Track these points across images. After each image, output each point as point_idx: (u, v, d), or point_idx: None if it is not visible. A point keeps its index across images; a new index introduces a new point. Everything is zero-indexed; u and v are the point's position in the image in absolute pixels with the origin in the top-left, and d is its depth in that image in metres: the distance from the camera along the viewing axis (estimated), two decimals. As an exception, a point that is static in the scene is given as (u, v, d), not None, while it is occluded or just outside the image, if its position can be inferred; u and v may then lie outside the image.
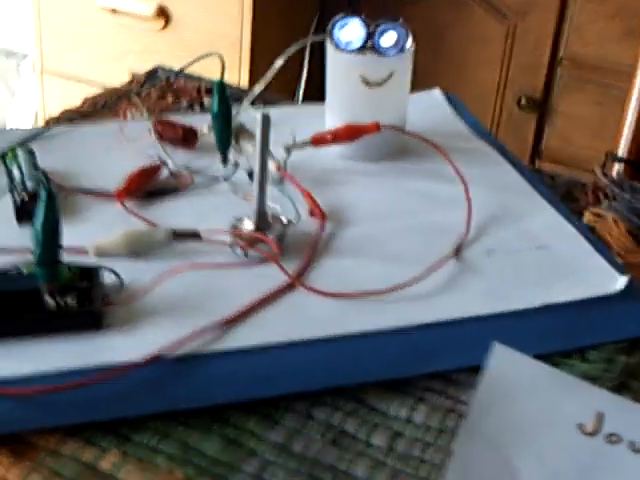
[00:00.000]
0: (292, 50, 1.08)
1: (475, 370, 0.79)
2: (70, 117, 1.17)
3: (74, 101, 2.23)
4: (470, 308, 0.86)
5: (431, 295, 0.88)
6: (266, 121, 0.86)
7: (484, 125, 2.27)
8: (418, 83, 2.30)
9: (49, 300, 0.81)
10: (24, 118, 2.74)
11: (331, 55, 1.08)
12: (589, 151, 2.20)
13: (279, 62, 1.10)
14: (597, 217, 1.01)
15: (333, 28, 1.06)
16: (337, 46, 1.06)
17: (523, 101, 2.23)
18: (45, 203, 0.79)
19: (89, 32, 2.26)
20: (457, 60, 2.29)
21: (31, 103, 2.67)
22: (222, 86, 1.00)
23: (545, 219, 1.00)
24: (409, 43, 1.06)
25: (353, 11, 2.14)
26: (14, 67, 3.00)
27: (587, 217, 1.01)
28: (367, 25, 1.05)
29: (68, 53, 2.30)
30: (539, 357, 0.82)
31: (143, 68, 2.19)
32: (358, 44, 1.06)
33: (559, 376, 0.80)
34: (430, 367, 0.81)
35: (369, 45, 1.06)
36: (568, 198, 1.08)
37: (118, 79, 2.14)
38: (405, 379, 0.80)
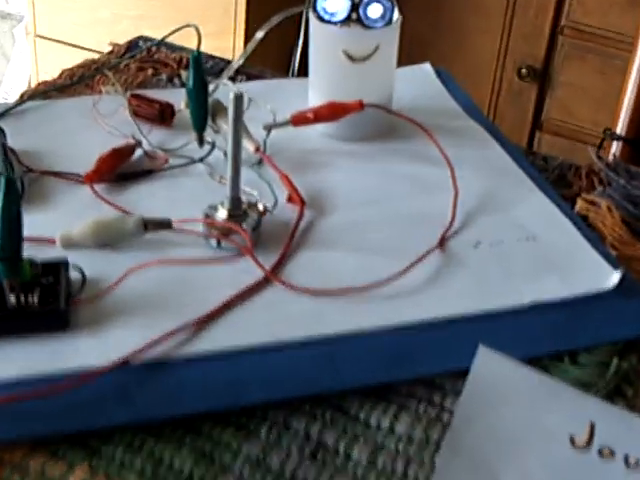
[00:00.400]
0: (274, 21, 1.03)
1: (461, 375, 0.75)
2: (45, 90, 1.12)
3: (68, 66, 2.20)
4: (455, 307, 0.82)
5: (414, 291, 0.83)
6: (239, 102, 0.81)
7: (478, 99, 2.24)
8: (416, 52, 2.26)
9: (10, 297, 0.76)
10: (18, 83, 2.70)
11: (313, 27, 1.03)
12: (590, 123, 2.16)
13: (260, 34, 1.05)
14: (590, 204, 0.96)
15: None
16: (320, 18, 1.00)
17: (524, 71, 2.19)
18: (4, 193, 0.74)
19: (83, -5, 2.21)
20: (456, 29, 2.24)
21: (25, 68, 2.62)
22: (198, 60, 0.95)
23: (535, 206, 0.95)
24: (396, 15, 1.01)
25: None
26: (8, 31, 2.95)
27: (580, 205, 0.96)
28: (352, -3, 1.00)
29: (61, 17, 2.27)
30: (528, 360, 0.77)
31: (137, 33, 2.15)
32: (342, 16, 1.00)
33: (548, 383, 0.75)
34: (413, 372, 0.77)
35: (354, 17, 1.00)
36: (561, 183, 1.03)
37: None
38: (387, 384, 0.76)
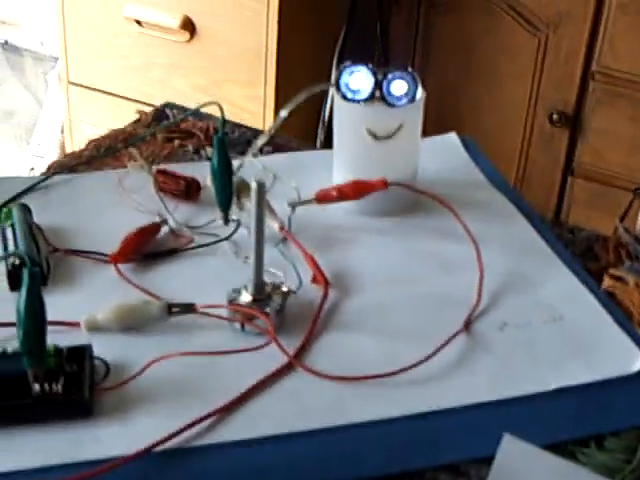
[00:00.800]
0: (298, 100, 1.03)
1: (487, 461, 0.74)
2: (72, 163, 1.12)
3: (100, 113, 2.21)
4: (480, 393, 0.82)
5: (439, 377, 0.83)
6: (261, 191, 0.81)
7: (510, 144, 2.24)
8: (446, 98, 2.27)
9: (34, 386, 0.77)
10: (51, 130, 2.72)
11: (337, 105, 1.03)
12: (623, 168, 2.14)
13: (284, 112, 1.05)
14: (617, 281, 0.95)
15: (340, 76, 1.01)
16: (344, 97, 1.00)
17: (555, 116, 2.17)
18: (27, 286, 0.74)
19: (115, 43, 2.24)
20: (487, 73, 2.23)
21: (58, 114, 2.64)
22: (222, 142, 0.95)
23: (562, 285, 0.94)
24: (419, 92, 1.00)
25: (382, 24, 2.11)
26: (42, 75, 2.98)
27: (607, 282, 0.96)
28: (375, 74, 1.00)
29: (93, 64, 2.28)
30: (553, 446, 0.76)
31: (168, 80, 2.18)
32: (366, 94, 1.00)
33: (574, 470, 0.75)
34: (438, 459, 0.76)
35: (377, 95, 1.00)
36: (588, 255, 1.02)
37: (144, 92, 2.14)
38: (411, 471, 0.75)
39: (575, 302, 0.92)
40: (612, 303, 0.93)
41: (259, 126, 2.05)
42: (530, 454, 0.75)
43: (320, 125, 2.17)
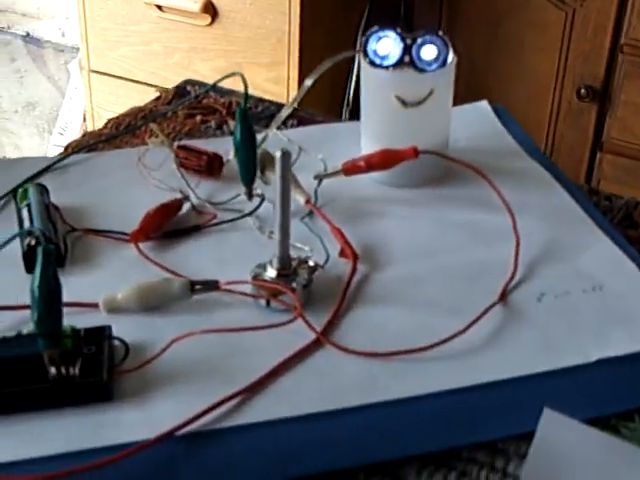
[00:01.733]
0: (323, 68, 0.99)
1: (525, 437, 0.70)
2: (91, 143, 1.09)
3: (122, 100, 2.20)
4: (518, 367, 0.77)
5: (475, 351, 0.79)
6: (286, 160, 0.77)
7: (538, 120, 2.20)
8: (473, 73, 2.23)
9: (51, 369, 0.73)
10: (74, 118, 2.70)
11: (365, 72, 0.99)
12: (653, 142, 2.10)
13: (308, 81, 1.01)
14: (659, 248, 0.91)
15: (367, 42, 0.97)
16: (371, 62, 0.96)
17: (583, 91, 2.13)
18: (41, 265, 0.71)
19: (135, 29, 2.22)
20: (513, 47, 2.19)
21: (79, 102, 2.63)
22: (245, 113, 0.91)
23: (601, 253, 0.90)
24: (450, 56, 0.96)
25: (405, 2, 2.08)
26: (63, 65, 2.96)
27: (648, 249, 0.91)
28: (404, 39, 0.95)
29: (114, 51, 2.27)
30: (596, 420, 0.72)
31: (190, 65, 2.15)
32: (394, 59, 0.96)
33: (618, 445, 0.70)
34: (474, 437, 0.72)
35: (406, 61, 0.96)
36: (627, 223, 0.98)
37: (165, 77, 2.12)
38: (447, 450, 0.71)
39: (615, 270, 0.88)
40: (655, 271, 0.88)
41: (284, 101, 2.03)
42: (572, 429, 0.71)
43: (345, 101, 2.14)
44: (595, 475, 0.68)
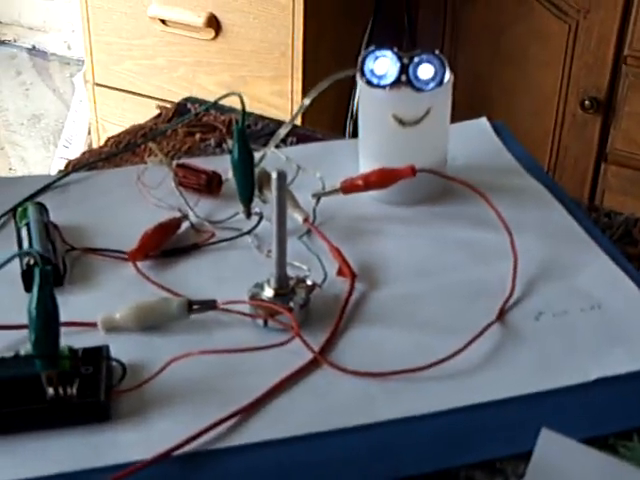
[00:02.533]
0: (321, 87, 0.99)
1: (524, 457, 0.70)
2: (91, 160, 1.09)
3: (127, 114, 2.20)
4: (516, 386, 0.77)
5: (472, 371, 0.79)
6: (282, 181, 0.77)
7: (542, 131, 2.20)
8: (476, 84, 2.23)
9: (48, 389, 0.73)
10: (79, 131, 2.71)
11: (362, 91, 0.99)
12: (657, 154, 2.10)
13: (307, 100, 1.02)
14: (658, 265, 0.91)
15: (364, 62, 0.97)
16: (368, 82, 0.97)
17: (587, 102, 2.12)
18: (38, 287, 0.71)
19: (140, 43, 2.23)
20: (517, 60, 2.19)
21: (85, 116, 2.64)
22: (242, 132, 0.92)
23: (600, 271, 0.90)
24: (447, 75, 0.96)
25: (409, 13, 2.08)
26: (68, 78, 2.97)
27: (646, 267, 0.91)
28: (401, 58, 0.96)
29: (119, 65, 2.28)
30: (594, 440, 0.72)
31: (194, 79, 2.16)
32: (391, 79, 0.96)
33: (616, 465, 0.71)
34: (473, 456, 0.72)
35: (403, 80, 0.96)
36: (626, 240, 0.98)
37: (170, 91, 2.12)
38: (444, 470, 0.71)
39: (614, 288, 0.88)
40: (654, 289, 0.88)
41: (287, 119, 2.03)
42: (569, 449, 0.71)
43: (349, 117, 2.14)
44: (593, 495, 0.68)
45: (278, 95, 2.10)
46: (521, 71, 2.21)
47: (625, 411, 0.76)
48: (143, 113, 2.14)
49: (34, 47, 3.35)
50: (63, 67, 3.23)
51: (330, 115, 2.14)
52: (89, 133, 2.62)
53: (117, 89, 2.32)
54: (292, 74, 2.08)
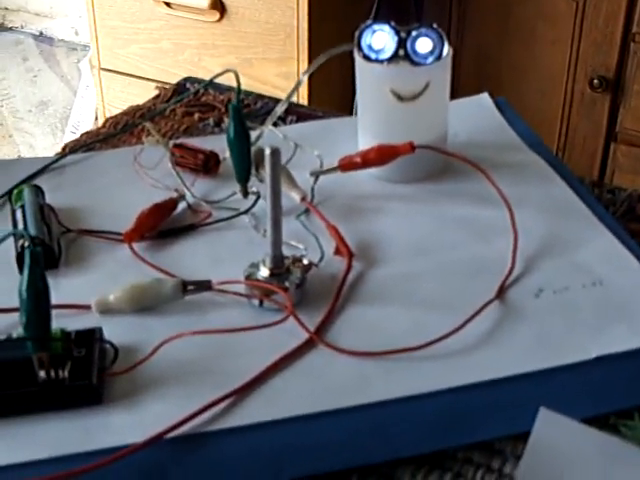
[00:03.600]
0: (318, 62, 0.98)
1: (523, 437, 0.69)
2: (88, 141, 1.08)
3: (133, 98, 2.19)
4: (515, 365, 0.76)
5: (470, 350, 0.78)
6: (275, 158, 0.76)
7: (551, 111, 2.18)
8: (484, 63, 2.21)
9: (40, 372, 0.72)
10: (86, 116, 2.71)
11: (359, 67, 0.97)
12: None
13: (303, 77, 1.00)
14: (662, 241, 0.89)
15: (361, 36, 0.95)
16: (365, 57, 0.95)
17: (595, 81, 2.11)
18: (29, 268, 0.70)
19: (145, 27, 2.23)
20: (524, 39, 2.18)
21: (91, 101, 2.63)
22: (237, 110, 0.90)
23: (602, 247, 0.88)
24: (446, 49, 0.95)
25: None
26: (75, 64, 2.96)
27: (650, 243, 0.89)
28: (398, 32, 0.94)
29: (124, 49, 2.28)
30: (595, 419, 0.71)
31: (200, 61, 2.15)
32: (389, 53, 0.94)
33: (617, 445, 0.69)
34: (470, 437, 0.71)
35: (401, 54, 0.94)
36: (630, 216, 0.96)
37: (175, 74, 2.11)
38: (442, 450, 0.70)
39: (616, 264, 0.87)
40: (656, 265, 0.87)
41: (294, 97, 2.02)
42: (569, 428, 0.69)
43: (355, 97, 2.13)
44: (593, 475, 0.67)
45: (284, 77, 2.10)
46: (529, 50, 2.19)
47: (626, 389, 0.75)
48: (149, 97, 2.14)
49: (41, 33, 3.35)
50: (70, 53, 3.22)
51: (337, 94, 2.13)
52: (96, 118, 2.61)
53: (123, 73, 2.32)
54: (298, 56, 2.08)
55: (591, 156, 2.20)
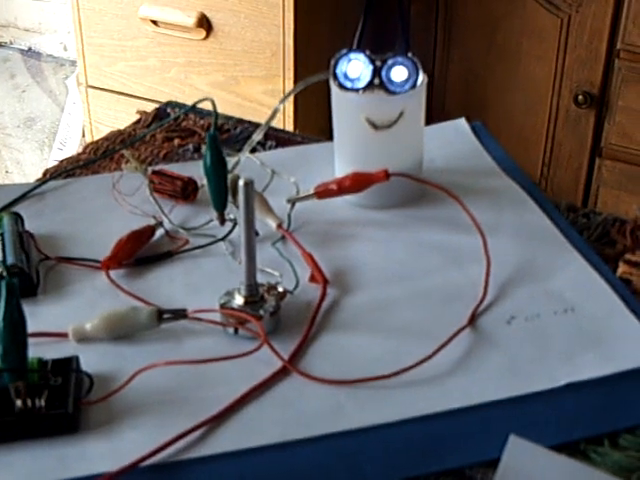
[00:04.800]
0: (294, 91, 0.99)
1: (494, 464, 0.70)
2: (69, 167, 1.09)
3: (120, 115, 2.20)
4: (485, 393, 0.77)
5: (442, 377, 0.79)
6: (249, 190, 0.77)
7: (536, 127, 2.19)
8: (469, 80, 2.22)
9: (17, 401, 0.73)
10: (73, 133, 2.71)
11: (335, 95, 0.98)
12: (652, 147, 2.09)
13: (279, 105, 1.02)
14: (634, 267, 0.90)
15: (336, 64, 0.96)
16: (341, 85, 0.96)
17: (580, 97, 2.12)
18: (5, 299, 0.71)
19: (131, 45, 2.23)
20: (510, 55, 2.19)
21: (78, 118, 2.64)
22: (214, 139, 0.91)
23: (575, 274, 0.90)
24: (420, 77, 0.96)
25: (401, 11, 2.07)
26: (62, 80, 2.97)
27: (622, 268, 0.91)
28: (373, 61, 0.95)
29: (111, 67, 2.27)
30: (566, 445, 0.72)
31: (186, 79, 2.15)
32: (364, 82, 0.95)
33: (586, 471, 0.70)
34: (441, 464, 0.72)
35: (376, 83, 0.95)
36: (604, 240, 0.97)
37: (162, 92, 2.12)
38: (413, 478, 0.71)
39: (588, 291, 0.88)
40: (628, 291, 0.88)
41: (280, 120, 2.03)
42: (538, 455, 0.71)
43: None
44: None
45: (270, 94, 2.10)
46: (514, 66, 2.20)
47: (596, 416, 0.76)
48: (136, 114, 2.15)
49: (30, 49, 3.35)
50: (58, 69, 3.23)
51: (323, 117, 2.14)
52: (83, 135, 2.62)
53: (110, 91, 2.32)
54: (284, 73, 2.08)
55: (576, 172, 2.21)
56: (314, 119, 2.09)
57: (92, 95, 2.35)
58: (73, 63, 2.97)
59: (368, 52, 0.96)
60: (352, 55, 0.96)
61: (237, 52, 2.10)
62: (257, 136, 1.04)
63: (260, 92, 2.11)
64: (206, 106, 1.02)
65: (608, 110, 2.12)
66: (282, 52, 2.06)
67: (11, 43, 3.30)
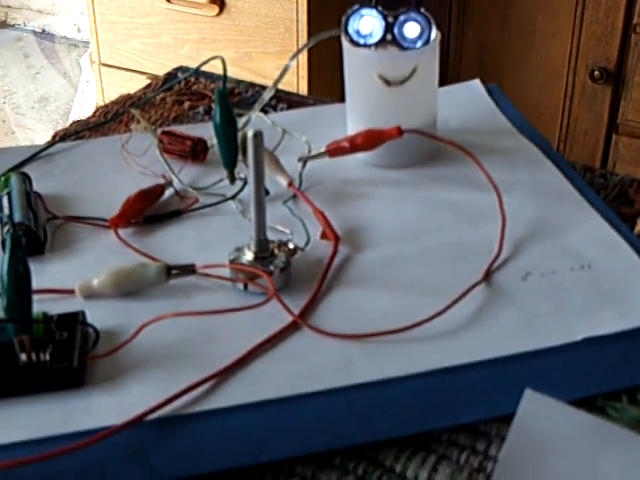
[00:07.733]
0: (305, 47, 0.97)
1: (509, 419, 0.68)
2: (77, 130, 1.08)
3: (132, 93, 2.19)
4: (500, 347, 0.75)
5: (456, 332, 0.77)
6: (258, 141, 0.75)
7: (552, 103, 2.17)
8: (485, 55, 2.20)
9: (21, 355, 0.72)
10: (87, 112, 2.70)
11: (347, 52, 0.97)
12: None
13: (291, 62, 1.00)
14: (652, 224, 0.88)
15: (348, 21, 0.95)
16: (352, 41, 0.94)
17: (596, 73, 2.09)
18: (9, 252, 0.70)
19: (144, 22, 2.23)
20: (526, 31, 2.17)
21: (92, 96, 2.63)
22: (223, 95, 0.89)
23: (592, 231, 0.88)
24: (434, 33, 0.94)
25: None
26: (75, 60, 2.96)
27: (639, 226, 0.88)
28: (385, 16, 0.93)
29: (124, 44, 2.28)
30: (582, 401, 0.70)
31: (200, 56, 2.14)
32: (376, 38, 0.94)
33: (603, 426, 0.68)
34: (455, 419, 0.70)
35: (389, 39, 0.93)
36: (621, 200, 0.95)
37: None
38: (426, 433, 0.69)
39: (605, 248, 0.86)
40: (646, 248, 0.86)
41: (293, 85, 2.02)
42: (554, 410, 0.69)
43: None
44: (578, 457, 0.66)
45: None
46: (530, 42, 2.18)
47: (614, 371, 0.74)
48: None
49: (43, 30, 3.35)
50: (72, 50, 3.22)
51: (337, 83, 2.13)
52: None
53: (123, 69, 2.32)
54: (297, 49, 2.06)
55: (593, 148, 2.19)
56: (329, 85, 2.08)
57: (105, 73, 2.34)
58: (86, 44, 2.97)
59: (380, 8, 0.93)
60: (364, 11, 0.94)
61: (250, 28, 2.09)
62: (268, 94, 1.03)
63: (273, 68, 2.10)
64: (217, 70, 1.01)
65: (624, 86, 2.10)
66: (296, 28, 2.05)
67: (24, 24, 3.30)
